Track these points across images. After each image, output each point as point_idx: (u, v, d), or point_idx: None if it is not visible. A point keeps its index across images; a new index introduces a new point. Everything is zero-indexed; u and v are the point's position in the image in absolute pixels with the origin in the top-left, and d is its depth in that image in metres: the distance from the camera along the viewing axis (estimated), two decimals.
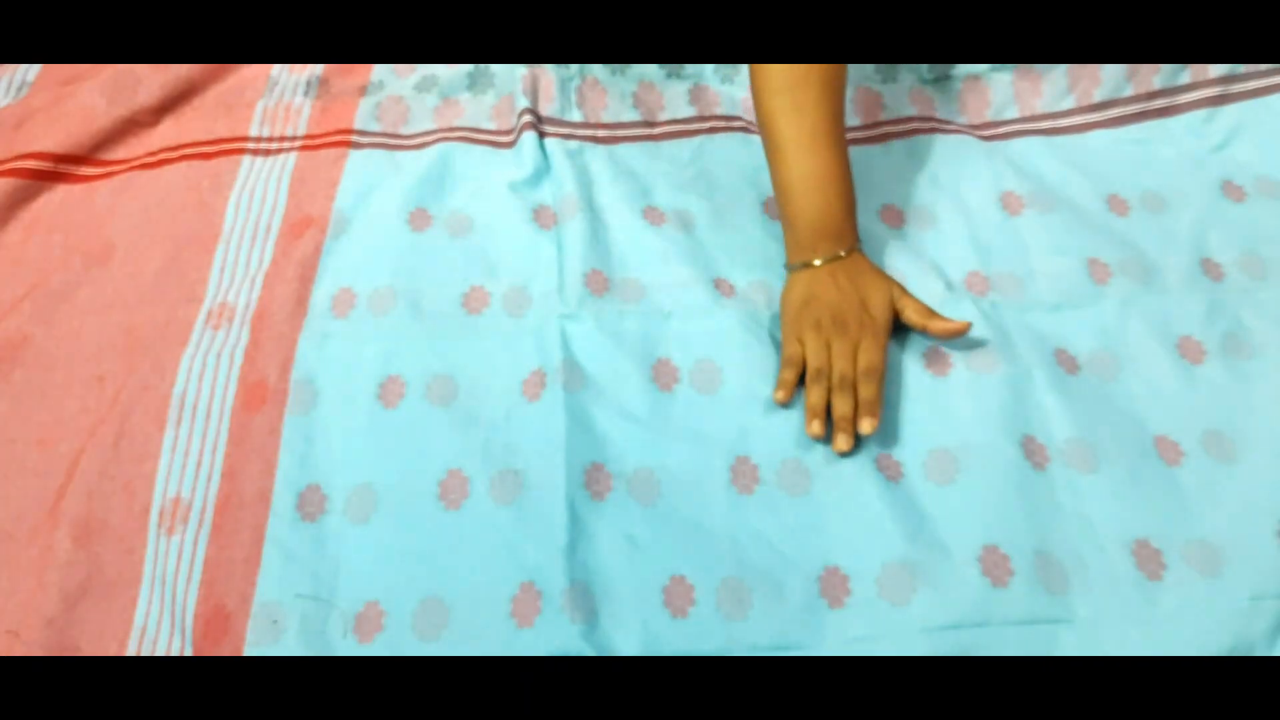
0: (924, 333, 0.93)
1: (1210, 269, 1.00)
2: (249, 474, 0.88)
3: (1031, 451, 0.87)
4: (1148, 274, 0.99)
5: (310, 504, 0.87)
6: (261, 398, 0.92)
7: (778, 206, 0.97)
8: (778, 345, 0.95)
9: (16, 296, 1.02)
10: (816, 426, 0.87)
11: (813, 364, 0.89)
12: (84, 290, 1.03)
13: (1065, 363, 0.93)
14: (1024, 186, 1.07)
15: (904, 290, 0.94)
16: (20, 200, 1.10)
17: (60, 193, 1.11)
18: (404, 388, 0.93)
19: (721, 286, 0.99)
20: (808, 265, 0.94)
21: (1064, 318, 0.97)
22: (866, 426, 0.86)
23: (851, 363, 0.88)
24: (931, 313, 0.92)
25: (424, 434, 0.90)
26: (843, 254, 0.93)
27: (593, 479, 0.87)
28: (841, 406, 0.87)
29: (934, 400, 0.91)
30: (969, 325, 0.92)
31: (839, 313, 0.90)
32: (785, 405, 0.90)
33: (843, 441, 0.86)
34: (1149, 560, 0.82)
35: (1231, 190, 1.07)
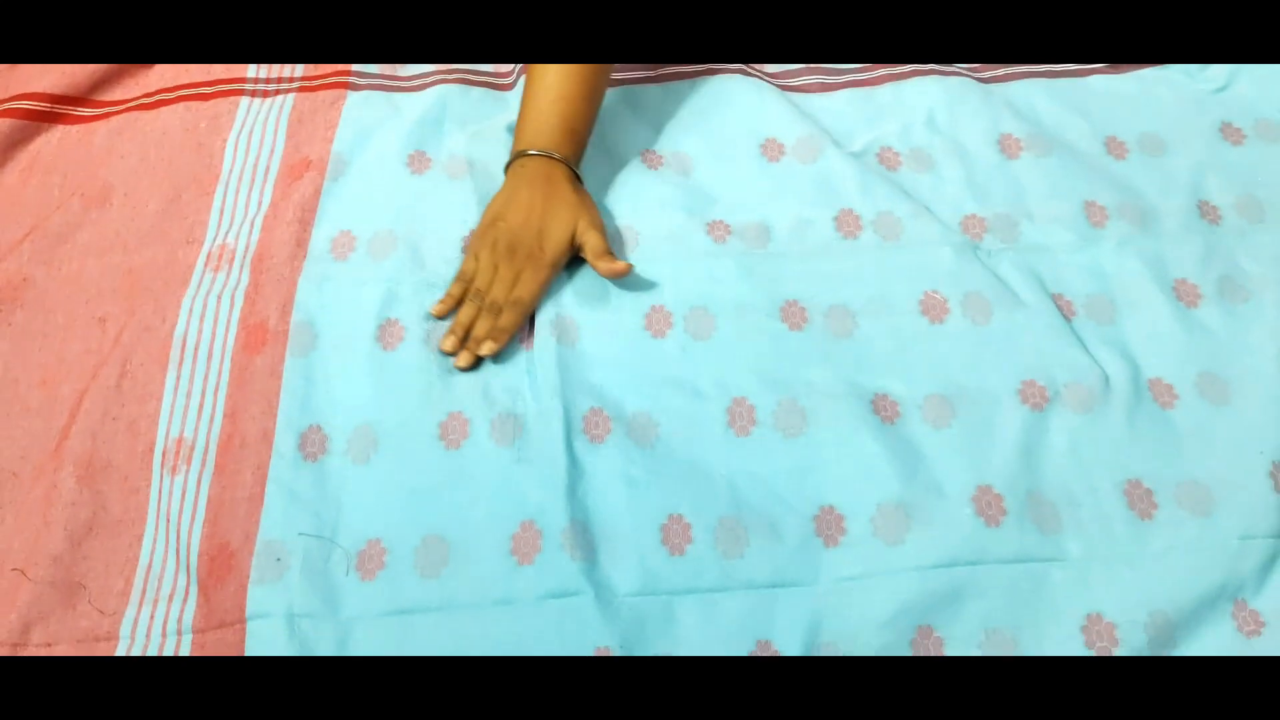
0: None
1: (1207, 212, 0.99)
2: (250, 414, 0.88)
3: (1028, 396, 0.86)
4: (1145, 217, 0.99)
5: (312, 444, 0.86)
6: (262, 339, 0.92)
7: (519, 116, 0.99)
8: (773, 287, 0.94)
9: (16, 238, 1.01)
10: (450, 342, 0.90)
11: (476, 282, 0.92)
12: (83, 232, 1.02)
13: (1063, 307, 0.92)
14: (1022, 129, 1.06)
15: (592, 225, 0.94)
16: (17, 141, 1.08)
17: (58, 134, 1.10)
18: (403, 331, 0.92)
19: (716, 230, 0.98)
20: (523, 154, 0.96)
21: (1061, 261, 0.96)
22: (486, 348, 0.89)
23: (508, 290, 0.91)
24: (604, 253, 0.93)
25: (423, 377, 0.90)
26: (556, 157, 0.96)
27: (591, 423, 0.86)
28: (480, 329, 0.90)
29: (931, 346, 0.90)
30: (630, 267, 0.93)
31: (514, 240, 0.93)
32: (440, 317, 0.93)
33: (463, 359, 0.90)
34: (1140, 500, 0.82)
35: (1230, 133, 1.05)
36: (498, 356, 0.91)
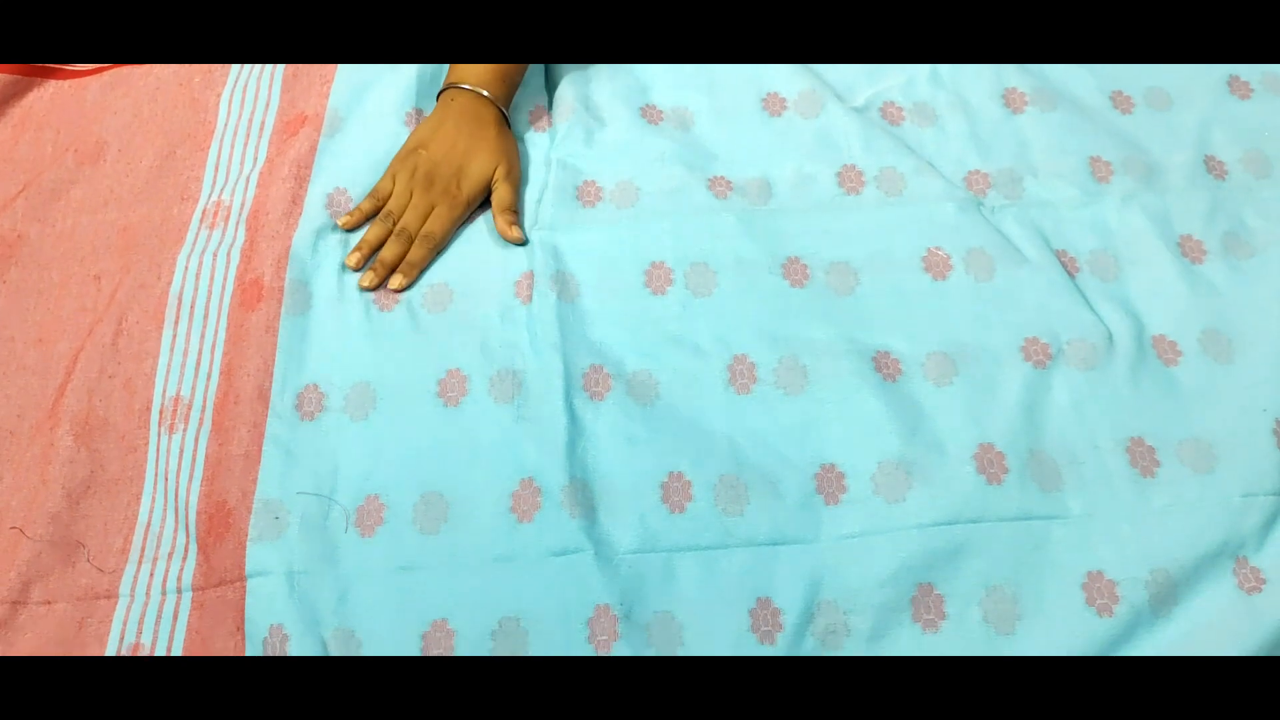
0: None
1: (1214, 167, 0.98)
2: (247, 372, 0.87)
3: (1030, 353, 0.85)
4: (1150, 172, 0.97)
5: (309, 403, 0.86)
6: (258, 297, 0.91)
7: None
8: (774, 244, 0.93)
9: (9, 195, 0.99)
10: (356, 258, 0.92)
11: (390, 204, 0.94)
12: (77, 188, 1.00)
13: (1066, 264, 0.91)
14: (1027, 83, 1.04)
15: (508, 176, 0.95)
16: (9, 97, 1.06)
17: (50, 89, 1.08)
18: (399, 294, 0.91)
19: (717, 186, 0.97)
20: (455, 87, 0.97)
21: (1064, 217, 0.94)
22: (396, 281, 0.90)
23: (420, 221, 0.93)
24: (507, 209, 0.94)
25: (420, 336, 0.89)
26: (485, 94, 0.97)
27: (591, 381, 0.85)
28: (388, 252, 0.91)
29: (934, 304, 0.89)
30: (524, 240, 0.94)
31: (433, 170, 0.94)
32: (348, 229, 0.94)
33: (368, 279, 0.91)
34: (1143, 458, 0.81)
35: (1238, 86, 1.04)
36: (498, 312, 0.90)
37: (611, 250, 0.93)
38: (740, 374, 0.86)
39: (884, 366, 0.86)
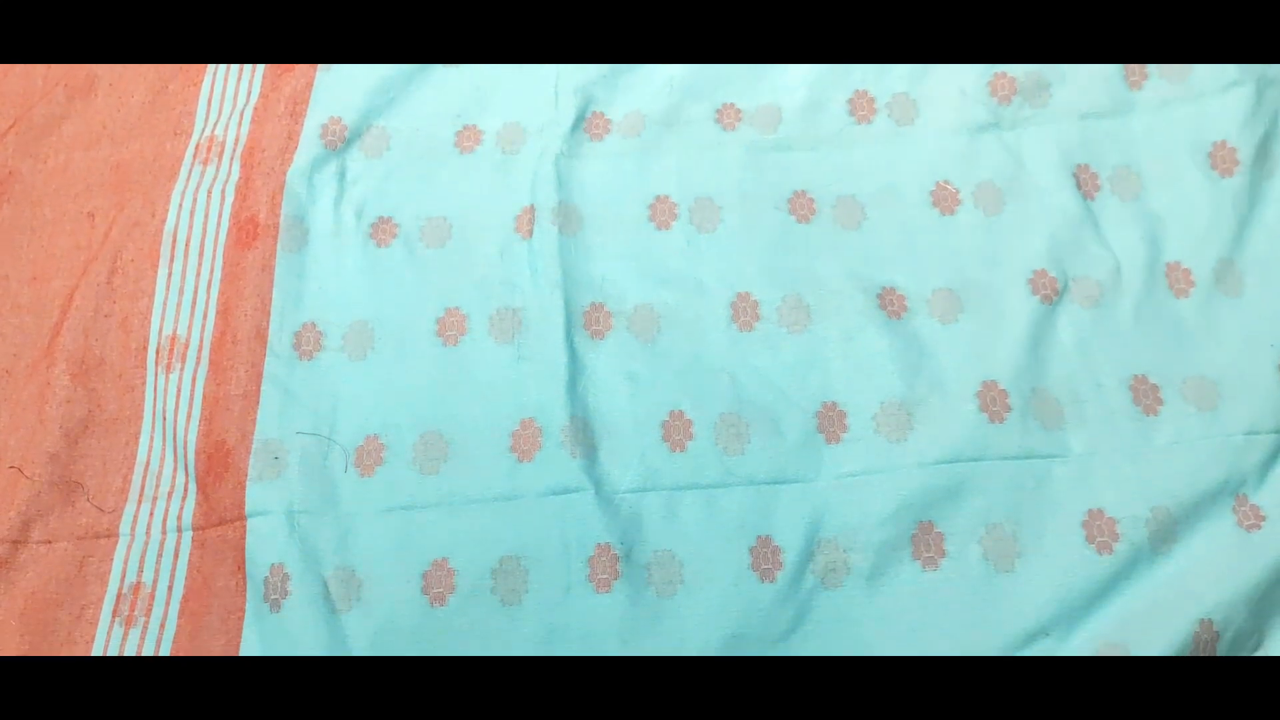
0: None
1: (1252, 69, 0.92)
2: (244, 311, 0.85)
3: (1038, 286, 0.84)
4: (1184, 74, 0.92)
5: (307, 342, 0.84)
6: (253, 234, 0.89)
7: None
8: (781, 178, 0.90)
9: None
10: None
11: None
12: (69, 124, 0.98)
13: (1085, 183, 0.88)
14: None
15: None
16: None
17: None
18: (396, 229, 0.89)
19: (725, 116, 0.94)
20: None
21: (1091, 126, 0.91)
22: None
23: None
24: None
25: (419, 273, 0.87)
26: None
27: (592, 319, 0.84)
28: None
29: (941, 239, 0.87)
30: None
31: None
32: None
33: None
34: (1146, 395, 0.80)
35: None
36: (497, 249, 0.88)
37: (616, 183, 0.91)
38: (743, 311, 0.84)
39: (889, 304, 0.84)
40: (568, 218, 0.88)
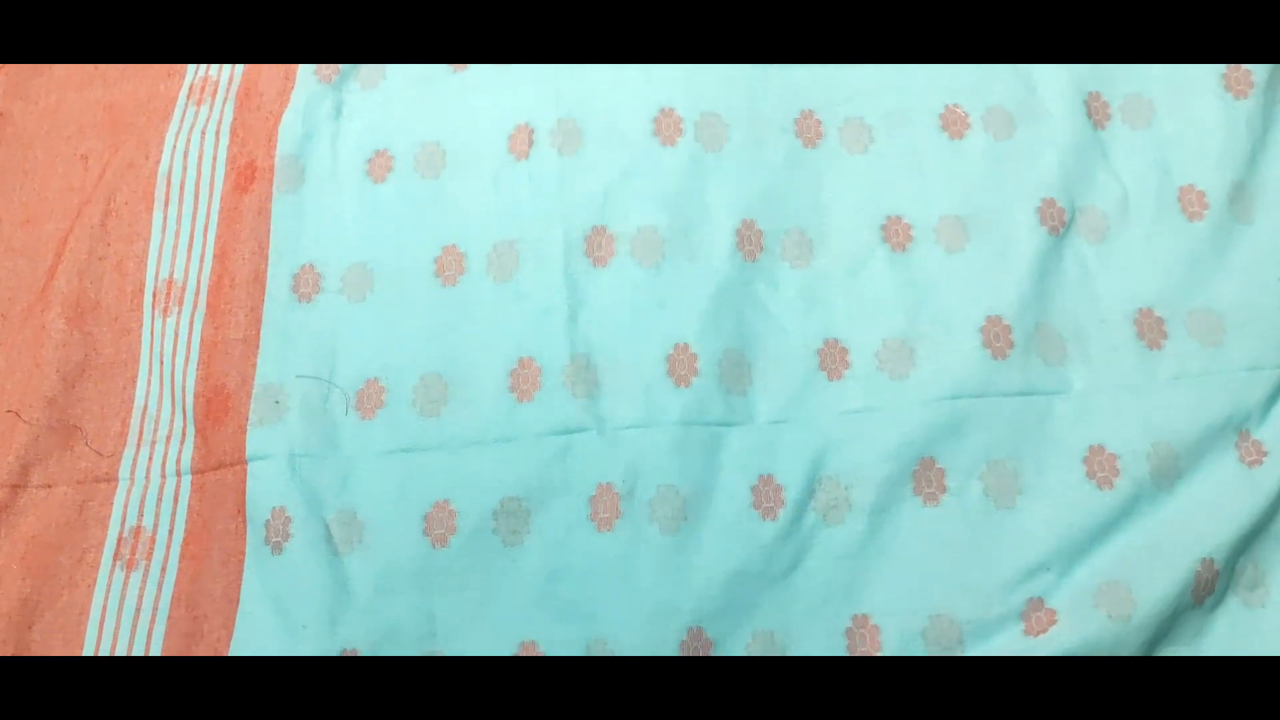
0: None
1: None
2: (241, 254, 0.84)
3: (1047, 216, 0.81)
4: None
5: (305, 284, 0.83)
6: (250, 179, 0.87)
7: None
8: (789, 95, 0.87)
9: None
10: None
11: None
12: (60, 64, 0.95)
13: (1096, 111, 0.86)
14: None
15: None
16: None
17: None
18: (392, 161, 0.87)
19: None
20: None
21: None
22: None
23: None
24: None
25: (415, 210, 0.85)
26: None
27: (593, 244, 0.82)
28: None
29: (949, 164, 0.84)
30: None
31: None
32: None
33: None
34: (1150, 330, 0.78)
35: None
36: (492, 176, 0.85)
37: (620, 92, 0.87)
38: (748, 240, 0.82)
39: (894, 235, 0.82)
40: (567, 136, 0.85)
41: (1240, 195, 0.82)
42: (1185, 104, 0.85)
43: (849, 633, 0.71)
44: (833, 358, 0.78)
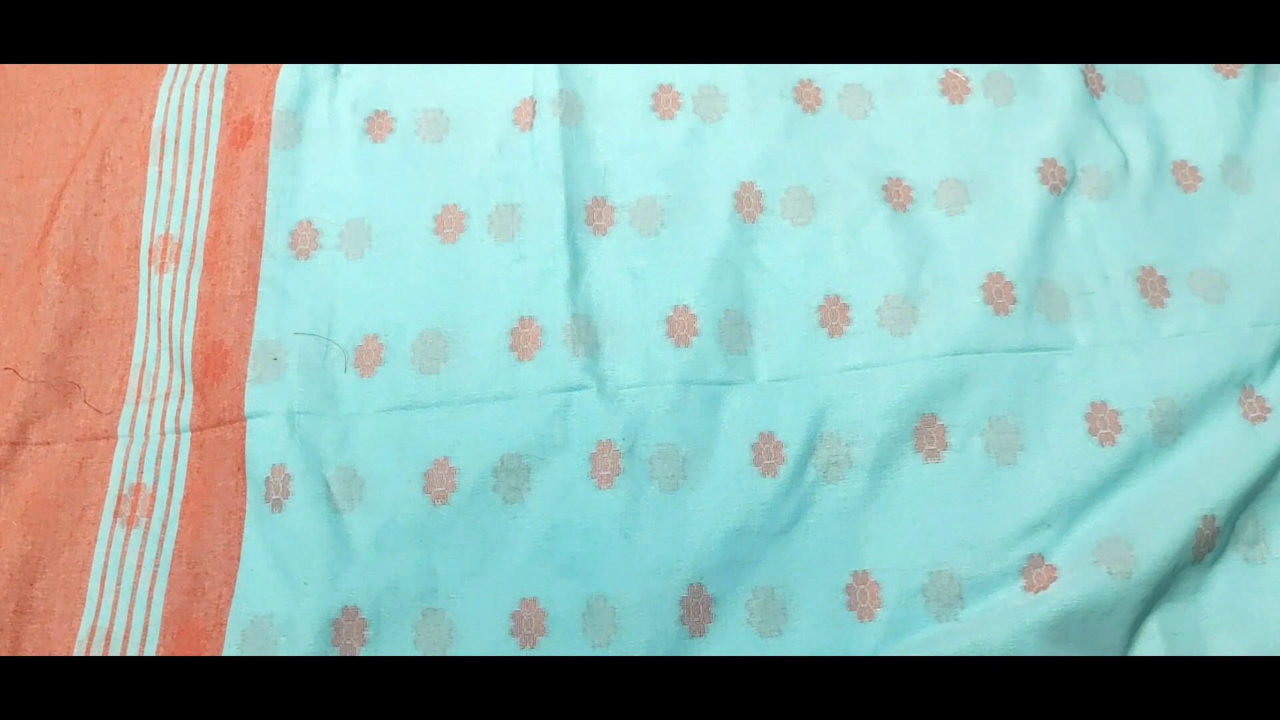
0: None
1: None
2: (238, 210, 0.82)
3: (1047, 175, 0.80)
4: None
5: (303, 240, 0.82)
6: (247, 132, 0.85)
7: None
8: (784, 68, 0.86)
9: None
10: None
11: None
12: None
13: (1092, 82, 0.85)
14: None
15: None
16: None
17: None
18: (393, 122, 0.86)
19: None
20: None
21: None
22: None
23: None
24: None
25: (415, 169, 0.84)
26: None
27: (594, 213, 0.81)
28: None
29: (950, 129, 0.84)
30: None
31: None
32: None
33: None
34: (1153, 287, 0.77)
35: None
36: (496, 143, 0.84)
37: (618, 71, 0.87)
38: (747, 201, 0.81)
39: (895, 195, 0.81)
40: (569, 108, 0.84)
41: (1235, 168, 0.82)
42: (1175, 81, 0.85)
43: (849, 589, 0.71)
44: (834, 314, 0.77)
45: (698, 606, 0.70)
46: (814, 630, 0.70)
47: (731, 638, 0.70)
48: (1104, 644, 0.67)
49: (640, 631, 0.69)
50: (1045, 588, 0.68)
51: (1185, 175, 0.81)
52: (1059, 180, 0.80)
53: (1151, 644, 0.68)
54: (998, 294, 0.76)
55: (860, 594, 0.70)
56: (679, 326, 0.77)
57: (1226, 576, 0.70)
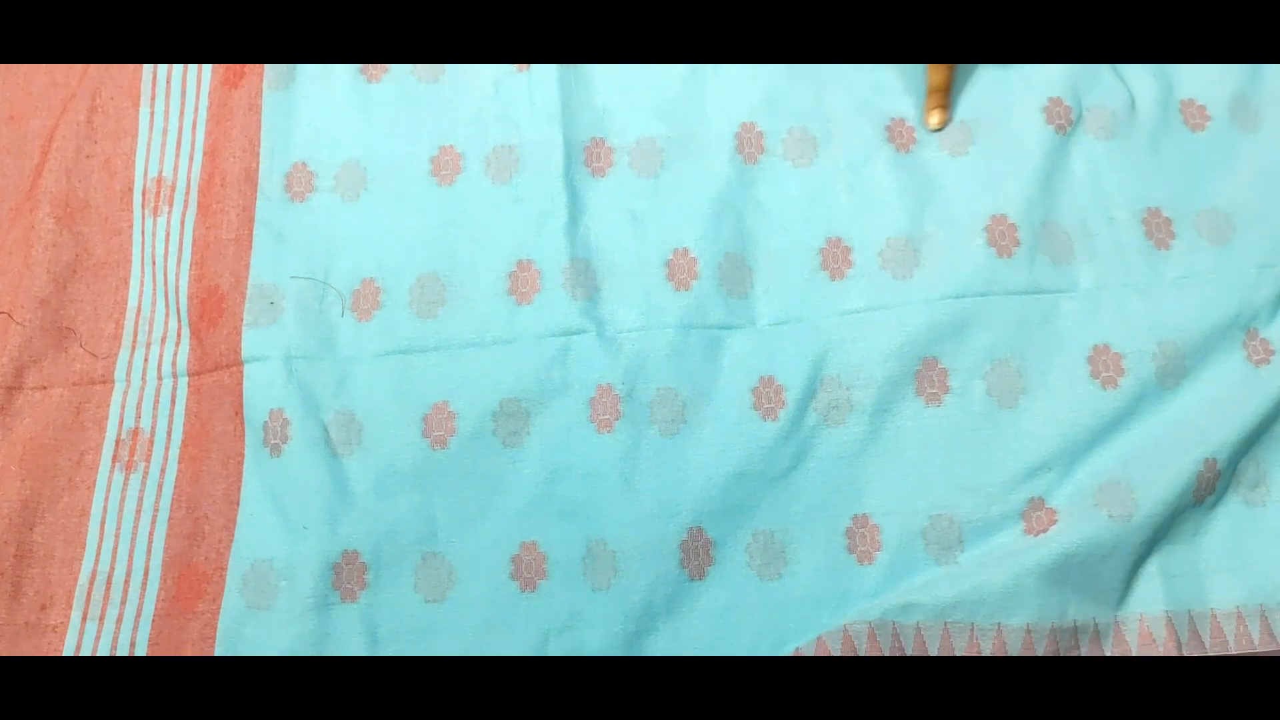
0: None
1: None
2: (232, 152, 0.80)
3: (1053, 115, 0.78)
4: None
5: (298, 183, 0.80)
6: (240, 72, 0.83)
7: None
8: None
9: None
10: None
11: None
12: None
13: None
14: None
15: None
16: None
17: None
18: (386, 64, 0.84)
19: None
20: None
21: None
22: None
23: None
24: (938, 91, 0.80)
25: (411, 109, 0.82)
26: None
27: (593, 155, 0.79)
28: None
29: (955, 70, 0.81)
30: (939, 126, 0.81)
31: None
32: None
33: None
34: (1158, 229, 0.76)
35: None
36: (493, 82, 0.82)
37: None
38: (748, 142, 0.79)
39: (898, 135, 0.79)
40: None
41: (1243, 107, 0.80)
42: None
43: (849, 533, 0.70)
44: (835, 257, 0.76)
45: (698, 550, 0.69)
46: (814, 573, 0.69)
47: (731, 581, 0.69)
48: (1103, 587, 0.66)
49: (641, 575, 0.69)
50: (1045, 531, 0.67)
51: (1193, 114, 0.79)
52: (1065, 120, 0.78)
53: (1150, 586, 0.67)
54: (1001, 236, 0.75)
55: (860, 537, 0.70)
56: (679, 269, 0.75)
57: (1227, 519, 0.69)
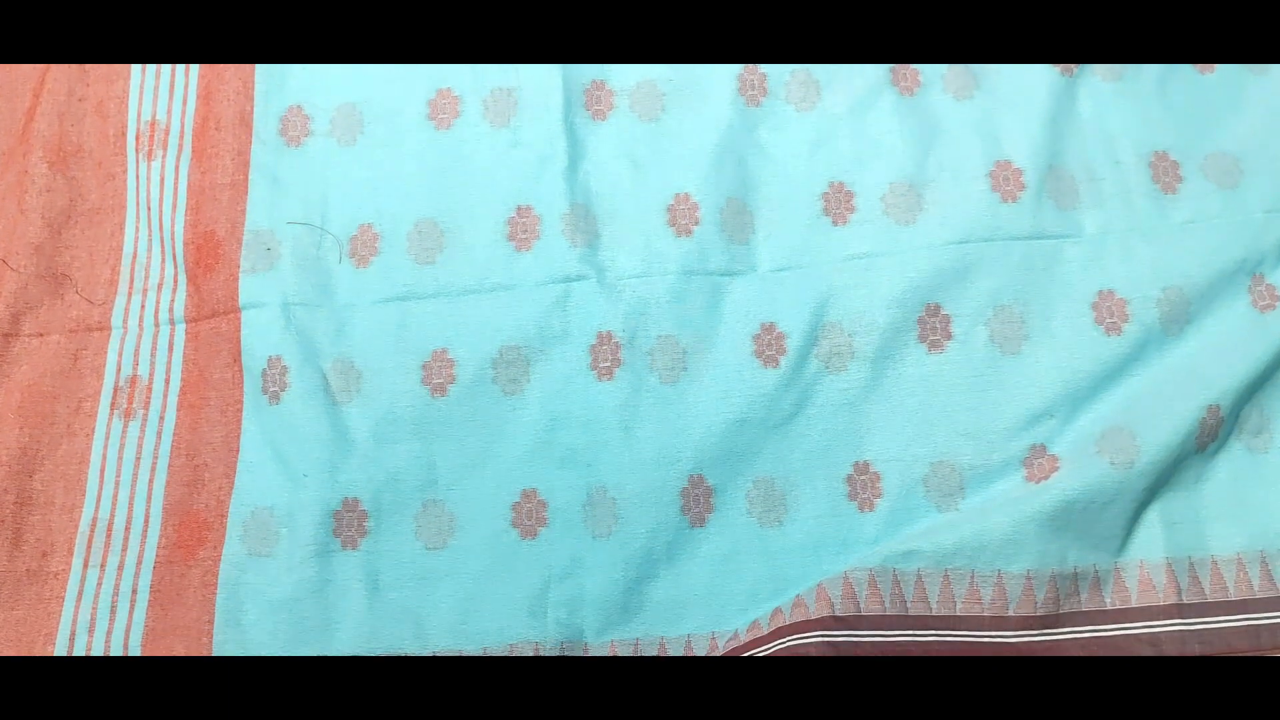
0: None
1: None
2: (226, 95, 0.78)
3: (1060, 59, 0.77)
4: None
5: (294, 127, 0.78)
6: None
7: None
8: None
9: None
10: None
11: None
12: None
13: None
14: None
15: None
16: None
17: None
18: None
19: None
20: None
21: None
22: None
23: None
24: None
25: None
26: None
27: (593, 98, 0.77)
28: None
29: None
30: None
31: None
32: None
33: None
34: (1166, 173, 0.74)
35: None
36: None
37: None
38: (750, 85, 0.77)
39: (902, 79, 0.77)
40: None
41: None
42: None
43: (850, 480, 0.69)
44: (838, 202, 0.74)
45: (698, 497, 0.69)
46: (814, 520, 0.68)
47: (732, 528, 0.69)
48: (1103, 533, 0.66)
49: (641, 522, 0.68)
50: (1046, 478, 0.66)
51: None
52: (1070, 65, 0.76)
53: (1151, 533, 0.67)
54: (1005, 180, 0.73)
55: (861, 484, 0.69)
56: (680, 215, 0.74)
57: (1229, 466, 0.69)
